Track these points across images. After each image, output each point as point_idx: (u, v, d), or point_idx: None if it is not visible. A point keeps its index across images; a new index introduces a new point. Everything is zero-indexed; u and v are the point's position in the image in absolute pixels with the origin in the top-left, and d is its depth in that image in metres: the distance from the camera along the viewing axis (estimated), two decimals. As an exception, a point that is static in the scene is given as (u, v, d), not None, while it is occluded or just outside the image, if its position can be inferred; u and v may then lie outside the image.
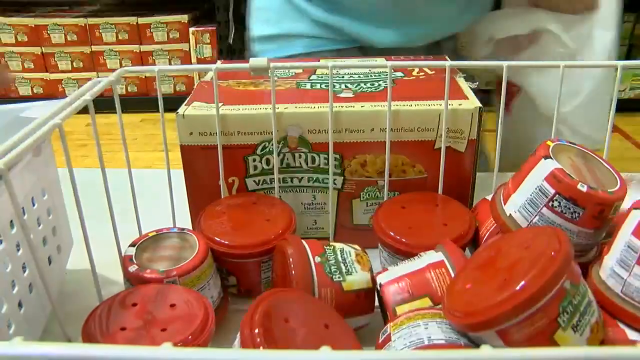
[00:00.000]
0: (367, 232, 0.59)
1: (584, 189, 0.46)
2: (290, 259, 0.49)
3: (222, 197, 0.64)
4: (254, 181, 0.64)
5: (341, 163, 0.62)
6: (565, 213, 0.47)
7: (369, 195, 0.64)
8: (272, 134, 0.60)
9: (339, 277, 0.49)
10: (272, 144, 0.61)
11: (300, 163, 0.63)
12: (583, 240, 0.48)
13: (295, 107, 0.61)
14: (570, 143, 0.51)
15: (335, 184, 0.63)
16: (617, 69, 0.59)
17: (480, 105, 0.61)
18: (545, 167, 0.47)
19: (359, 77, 0.71)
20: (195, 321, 0.45)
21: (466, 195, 0.64)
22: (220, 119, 0.60)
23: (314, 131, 0.61)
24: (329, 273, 0.49)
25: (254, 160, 0.62)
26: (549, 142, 0.50)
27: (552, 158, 0.48)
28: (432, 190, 0.63)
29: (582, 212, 0.46)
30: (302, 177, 0.64)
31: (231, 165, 0.62)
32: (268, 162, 0.62)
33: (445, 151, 0.61)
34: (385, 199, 0.63)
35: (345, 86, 0.67)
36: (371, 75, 0.71)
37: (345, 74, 0.72)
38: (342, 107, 0.61)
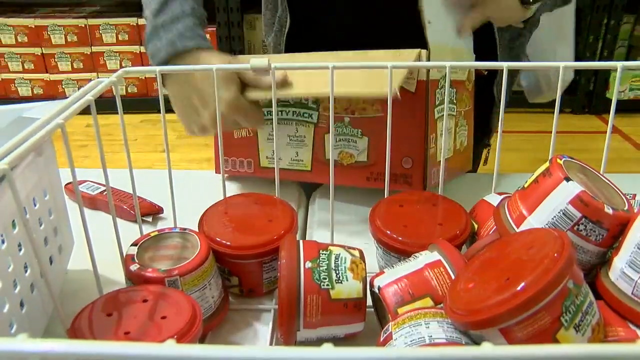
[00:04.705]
0: (336, 168, 0.70)
1: (611, 211, 0.45)
2: (280, 262, 0.49)
3: (224, 196, 0.64)
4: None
5: (317, 99, 0.71)
6: (591, 236, 0.46)
7: (337, 131, 0.72)
8: None
9: (327, 285, 0.48)
10: None
11: (287, 98, 0.72)
12: (597, 260, 0.47)
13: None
14: (571, 158, 0.50)
15: (311, 118, 0.72)
16: (617, 69, 0.59)
17: (426, 49, 0.66)
18: (568, 190, 0.46)
19: None
20: (180, 323, 0.45)
21: (421, 136, 0.69)
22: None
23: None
24: (317, 280, 0.48)
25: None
26: (558, 160, 0.48)
27: (572, 180, 0.46)
28: (386, 126, 0.63)
29: (605, 234, 0.45)
30: (288, 111, 0.73)
31: None
32: None
33: (400, 90, 0.63)
34: (385, 196, 0.64)
35: None
36: None
37: None
38: None
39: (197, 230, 0.57)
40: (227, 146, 0.79)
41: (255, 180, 0.81)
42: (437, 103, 0.71)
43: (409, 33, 0.82)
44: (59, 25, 2.94)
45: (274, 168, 0.67)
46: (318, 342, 0.51)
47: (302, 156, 0.75)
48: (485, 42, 0.84)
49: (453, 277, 0.47)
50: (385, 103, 0.63)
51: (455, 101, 0.75)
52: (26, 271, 0.49)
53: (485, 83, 0.86)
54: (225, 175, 0.82)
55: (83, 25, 2.94)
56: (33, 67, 3.02)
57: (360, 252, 0.53)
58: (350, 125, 0.71)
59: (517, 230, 0.49)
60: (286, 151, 0.75)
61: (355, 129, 0.71)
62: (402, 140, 0.68)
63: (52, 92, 3.06)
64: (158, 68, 0.59)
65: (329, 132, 0.69)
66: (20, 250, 0.48)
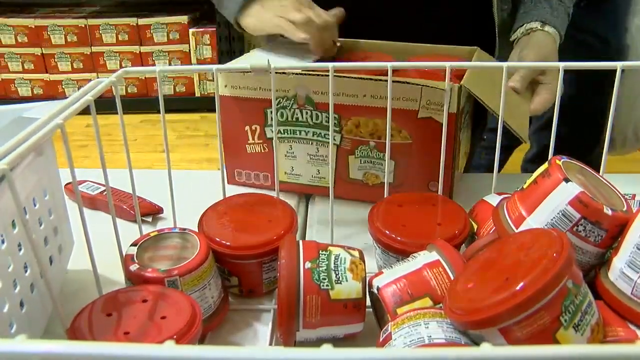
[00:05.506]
0: (361, 187, 0.73)
1: (610, 212, 0.45)
2: (279, 263, 0.49)
3: (224, 196, 0.64)
4: (271, 130, 0.73)
5: (339, 122, 0.71)
6: (590, 237, 0.45)
7: (362, 153, 0.72)
8: (286, 91, 0.71)
9: (326, 285, 0.48)
10: (286, 100, 0.71)
11: (306, 119, 0.72)
12: (596, 261, 0.47)
13: (302, 71, 0.70)
14: (569, 159, 0.50)
15: (335, 140, 0.72)
16: (617, 69, 0.59)
17: (460, 84, 0.65)
18: (568, 190, 0.46)
19: None
20: (180, 323, 0.45)
21: (449, 165, 0.69)
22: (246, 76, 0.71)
23: (318, 92, 0.70)
24: (317, 280, 0.48)
25: (271, 112, 0.68)
26: (557, 161, 0.48)
27: (571, 180, 0.46)
28: (417, 156, 0.70)
29: (604, 234, 0.45)
30: (308, 131, 0.73)
31: (255, 114, 0.74)
32: (282, 115, 0.73)
33: (428, 120, 0.67)
34: (385, 196, 0.64)
35: None
36: None
37: None
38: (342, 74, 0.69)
39: (196, 230, 0.57)
40: (240, 159, 0.78)
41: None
42: (462, 125, 0.71)
43: (410, 32, 0.82)
44: (59, 26, 2.94)
45: (292, 183, 0.71)
46: (317, 342, 0.51)
47: (324, 173, 0.75)
48: (485, 38, 0.84)
49: (452, 277, 0.47)
50: (414, 129, 0.67)
51: (468, 110, 0.75)
52: (26, 271, 0.49)
53: None
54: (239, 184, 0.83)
55: (83, 26, 2.94)
56: (33, 67, 3.02)
57: (360, 252, 0.53)
58: (376, 149, 0.71)
59: (516, 231, 0.49)
60: (307, 168, 0.75)
61: (381, 152, 0.71)
62: (430, 166, 0.68)
63: (52, 92, 3.06)
64: (158, 68, 0.59)
65: (352, 154, 0.73)
66: (20, 250, 0.48)
